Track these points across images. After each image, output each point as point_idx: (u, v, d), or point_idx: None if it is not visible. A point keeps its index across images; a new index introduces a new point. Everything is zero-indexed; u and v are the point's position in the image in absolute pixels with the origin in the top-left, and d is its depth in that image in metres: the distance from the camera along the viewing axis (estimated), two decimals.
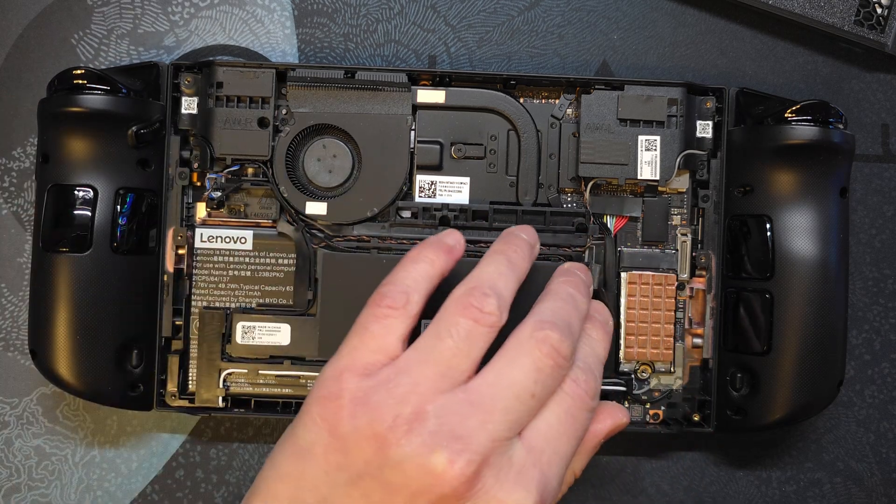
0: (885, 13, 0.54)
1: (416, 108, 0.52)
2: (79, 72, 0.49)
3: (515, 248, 0.44)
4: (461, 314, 0.40)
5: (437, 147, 0.52)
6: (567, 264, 0.47)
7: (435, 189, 0.52)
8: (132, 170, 0.50)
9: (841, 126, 0.49)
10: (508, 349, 0.40)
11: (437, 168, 0.52)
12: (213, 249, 0.52)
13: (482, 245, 0.51)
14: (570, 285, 0.44)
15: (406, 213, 0.52)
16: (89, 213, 0.49)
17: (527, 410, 0.39)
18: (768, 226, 0.49)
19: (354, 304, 0.44)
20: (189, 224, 0.52)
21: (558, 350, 0.40)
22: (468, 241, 0.49)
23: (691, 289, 0.52)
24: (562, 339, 0.40)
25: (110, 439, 0.55)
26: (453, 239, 0.44)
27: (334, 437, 0.39)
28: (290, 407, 0.52)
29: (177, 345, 0.52)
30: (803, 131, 0.48)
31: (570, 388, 0.41)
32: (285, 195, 0.51)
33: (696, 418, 0.52)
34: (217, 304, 0.52)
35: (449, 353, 0.39)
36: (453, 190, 0.52)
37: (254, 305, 0.52)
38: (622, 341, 0.52)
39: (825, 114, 0.49)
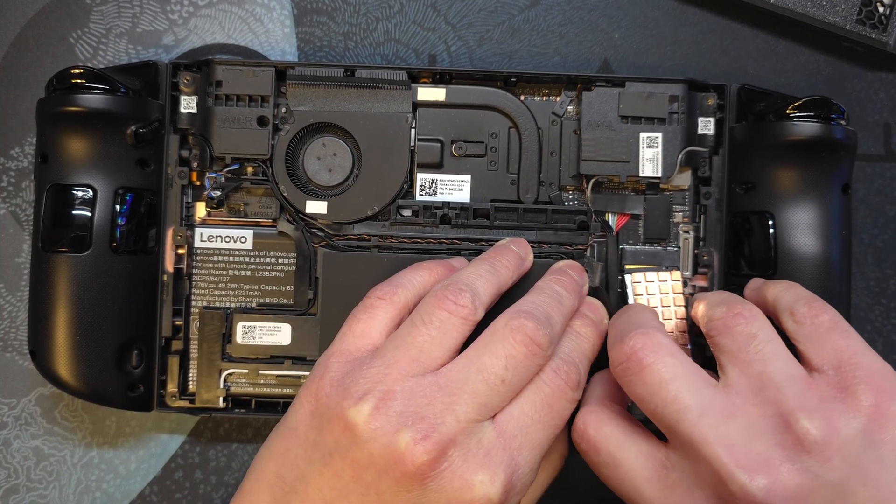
0: (888, 12, 0.54)
1: (417, 105, 0.51)
2: (77, 71, 0.49)
3: (501, 258, 0.47)
4: (436, 305, 0.42)
5: (438, 145, 0.51)
6: (560, 263, 0.48)
7: (436, 187, 0.52)
8: (131, 169, 0.50)
9: (843, 122, 0.49)
10: (483, 337, 0.42)
11: (437, 166, 0.52)
12: (213, 249, 0.52)
13: (483, 244, 0.51)
14: (556, 283, 0.46)
15: (407, 212, 0.52)
16: (88, 213, 0.49)
17: (497, 395, 0.40)
18: (770, 222, 0.49)
19: (355, 303, 0.45)
20: (189, 224, 0.52)
21: (532, 338, 0.41)
22: (468, 240, 0.50)
23: (694, 286, 0.52)
24: (537, 328, 0.41)
25: (109, 440, 0.55)
26: (458, 262, 0.48)
27: (313, 417, 0.41)
28: None
29: (177, 345, 0.52)
30: (805, 127, 0.48)
31: (548, 378, 0.42)
32: (285, 194, 0.51)
33: None
34: (217, 304, 0.52)
35: (422, 339, 0.41)
36: (454, 188, 0.51)
37: (254, 305, 0.52)
38: None
39: (827, 110, 0.49)
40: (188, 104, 0.52)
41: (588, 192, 0.51)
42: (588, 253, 0.51)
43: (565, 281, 0.46)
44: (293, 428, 0.42)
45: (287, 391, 0.52)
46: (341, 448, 0.39)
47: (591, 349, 0.45)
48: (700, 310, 0.45)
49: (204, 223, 0.52)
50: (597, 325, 0.46)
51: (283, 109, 0.51)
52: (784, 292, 0.44)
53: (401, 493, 0.39)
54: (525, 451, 0.41)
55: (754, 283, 0.48)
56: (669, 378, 0.40)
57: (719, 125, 0.52)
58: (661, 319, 0.49)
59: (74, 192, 0.49)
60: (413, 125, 0.51)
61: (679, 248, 0.52)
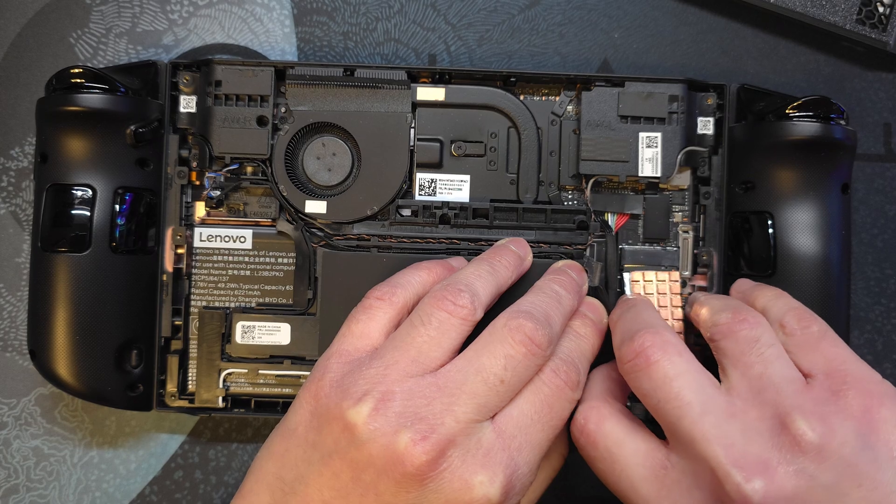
0: (887, 12, 0.54)
1: (416, 105, 0.51)
2: (77, 71, 0.49)
3: (501, 258, 0.47)
4: (435, 306, 0.42)
5: (437, 145, 0.51)
6: (560, 263, 0.48)
7: (435, 187, 0.52)
8: (131, 169, 0.50)
9: (842, 122, 0.49)
10: (482, 338, 0.42)
11: (437, 166, 0.52)
12: (213, 249, 0.52)
13: (483, 244, 0.51)
14: (556, 283, 0.46)
15: (406, 212, 0.52)
16: (88, 213, 0.49)
17: (496, 395, 0.40)
18: (770, 222, 0.49)
19: (354, 303, 0.45)
20: (188, 223, 0.52)
21: (531, 338, 0.41)
22: (468, 240, 0.50)
23: (693, 286, 0.52)
24: (536, 329, 0.41)
25: (109, 440, 0.55)
26: (458, 262, 0.48)
27: (312, 417, 0.41)
28: None
29: (176, 345, 0.52)
30: (804, 127, 0.48)
31: (547, 378, 0.42)
32: (284, 194, 0.51)
33: None
34: (216, 304, 0.52)
35: (421, 340, 0.41)
36: (453, 188, 0.51)
37: (253, 305, 0.52)
38: None
39: (826, 109, 0.49)
40: (188, 104, 0.52)
41: (587, 192, 0.51)
42: (587, 253, 0.51)
43: (564, 280, 0.46)
44: (292, 429, 0.42)
45: (286, 391, 0.52)
46: (340, 449, 0.39)
47: (590, 349, 0.46)
48: (703, 314, 0.45)
49: (203, 223, 0.52)
50: (596, 324, 0.46)
51: (283, 109, 0.51)
52: (774, 302, 0.45)
53: (400, 494, 0.39)
54: (525, 452, 0.41)
55: (742, 286, 0.48)
56: (674, 375, 0.40)
57: (719, 125, 0.51)
58: None
59: (74, 191, 0.49)
60: (412, 125, 0.51)
61: (678, 247, 0.52)
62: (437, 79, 0.52)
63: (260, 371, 0.52)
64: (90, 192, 0.49)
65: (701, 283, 0.51)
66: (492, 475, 0.39)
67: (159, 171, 0.51)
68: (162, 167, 0.52)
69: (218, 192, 0.51)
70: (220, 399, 0.52)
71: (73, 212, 0.49)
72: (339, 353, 0.42)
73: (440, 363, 0.41)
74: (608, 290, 0.51)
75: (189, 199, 0.52)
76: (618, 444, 0.43)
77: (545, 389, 0.42)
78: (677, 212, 0.52)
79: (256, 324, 0.51)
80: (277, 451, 0.42)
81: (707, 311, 0.45)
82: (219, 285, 0.52)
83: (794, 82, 0.56)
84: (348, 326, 0.44)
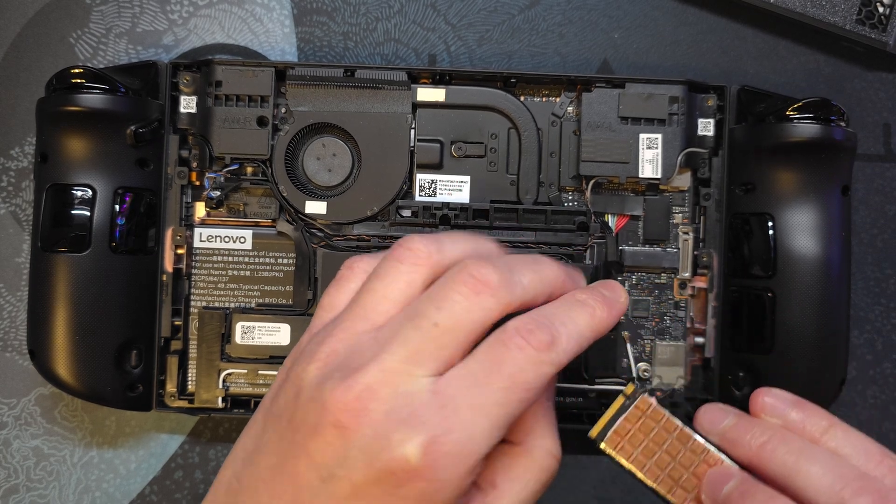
0: (887, 12, 0.54)
1: (416, 106, 0.51)
2: (77, 71, 0.49)
3: (546, 266, 0.40)
4: (388, 258, 0.38)
5: (438, 146, 0.51)
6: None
7: (435, 188, 0.52)
8: (131, 169, 0.50)
9: (843, 123, 0.49)
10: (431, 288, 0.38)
11: (437, 167, 0.52)
12: (213, 249, 0.52)
13: None
14: (539, 258, 0.40)
15: (406, 213, 0.52)
16: (88, 213, 0.49)
17: (431, 341, 0.36)
18: (770, 224, 0.49)
19: None
20: (188, 224, 0.52)
21: (476, 276, 0.36)
22: None
23: (693, 288, 0.52)
24: (486, 268, 0.36)
25: (109, 440, 0.55)
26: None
27: (279, 389, 0.39)
28: None
29: (176, 345, 0.52)
30: (805, 129, 0.48)
31: (505, 335, 0.36)
32: (285, 194, 0.51)
33: None
34: (216, 304, 0.52)
35: (369, 295, 0.38)
36: (454, 189, 0.51)
37: (253, 305, 0.52)
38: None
39: (827, 111, 0.49)
40: (188, 104, 0.52)
41: (587, 193, 0.51)
42: (588, 254, 0.51)
43: (549, 260, 0.40)
44: (266, 405, 0.39)
45: None
46: (288, 411, 0.37)
47: (587, 320, 0.39)
48: (809, 492, 0.37)
49: (203, 223, 0.52)
50: (608, 300, 0.40)
51: (283, 109, 0.51)
52: (846, 444, 0.40)
53: (327, 451, 0.35)
54: (463, 413, 0.35)
55: (777, 408, 0.41)
56: None
57: (719, 126, 0.52)
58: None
59: (74, 191, 0.49)
60: (413, 125, 0.51)
61: (678, 249, 0.52)
62: (437, 79, 0.52)
63: (259, 371, 0.52)
64: (90, 192, 0.49)
65: (701, 284, 0.51)
66: (411, 433, 0.34)
67: (159, 172, 0.51)
68: (162, 167, 0.51)
69: (218, 193, 0.51)
70: (220, 399, 0.52)
71: (73, 212, 0.49)
72: (309, 330, 0.40)
73: (388, 316, 0.37)
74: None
75: (189, 200, 0.52)
76: None
77: (498, 346, 0.36)
78: (677, 213, 0.52)
79: (256, 324, 0.51)
80: (253, 426, 0.40)
81: (815, 489, 0.37)
82: (219, 286, 0.52)
83: (794, 82, 0.56)
84: (320, 303, 0.41)
